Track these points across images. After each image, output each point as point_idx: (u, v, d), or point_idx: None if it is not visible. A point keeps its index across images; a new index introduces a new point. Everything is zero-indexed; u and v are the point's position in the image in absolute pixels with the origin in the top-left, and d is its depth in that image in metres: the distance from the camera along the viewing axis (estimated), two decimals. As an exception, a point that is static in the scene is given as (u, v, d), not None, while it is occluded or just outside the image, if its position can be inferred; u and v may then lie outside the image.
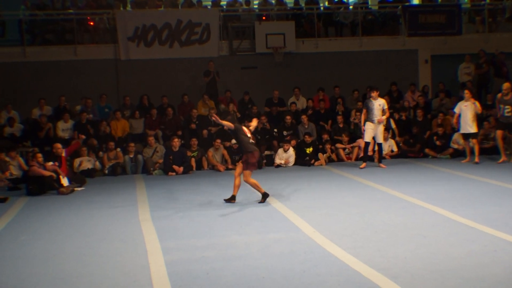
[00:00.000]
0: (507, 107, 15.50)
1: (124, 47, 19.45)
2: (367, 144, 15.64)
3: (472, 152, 15.71)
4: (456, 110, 15.80)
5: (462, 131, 15.80)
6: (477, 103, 15.77)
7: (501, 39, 21.34)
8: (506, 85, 15.80)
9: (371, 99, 15.45)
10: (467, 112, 15.52)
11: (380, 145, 15.65)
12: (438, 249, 7.79)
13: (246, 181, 11.26)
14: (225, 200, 11.52)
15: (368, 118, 15.30)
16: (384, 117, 15.46)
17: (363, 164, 15.45)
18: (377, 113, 15.24)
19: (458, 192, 11.82)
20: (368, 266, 7.15)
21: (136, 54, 19.50)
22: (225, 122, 11.39)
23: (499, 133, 15.70)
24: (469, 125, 15.56)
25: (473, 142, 15.65)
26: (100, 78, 19.54)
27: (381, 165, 15.49)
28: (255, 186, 11.41)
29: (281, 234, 8.91)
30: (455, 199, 11.12)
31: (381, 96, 15.96)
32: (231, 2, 21.80)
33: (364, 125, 15.39)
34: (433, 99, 19.92)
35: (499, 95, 15.89)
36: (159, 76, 19.89)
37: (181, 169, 15.52)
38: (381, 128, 15.45)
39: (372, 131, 15.32)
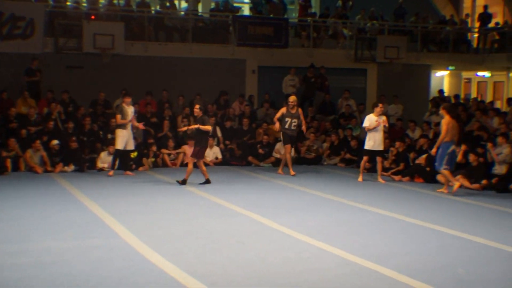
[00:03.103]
0: (293, 120, 15.54)
1: None
2: (117, 152, 15.08)
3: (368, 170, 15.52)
4: (369, 124, 14.70)
5: (370, 147, 14.80)
6: (385, 118, 15.04)
7: (324, 54, 22.33)
8: (292, 98, 15.70)
9: (123, 104, 15.11)
10: (379, 128, 14.73)
11: (126, 152, 15.25)
12: (256, 256, 7.93)
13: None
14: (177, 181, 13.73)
15: (121, 125, 14.89)
16: (139, 124, 15.37)
17: (111, 172, 15.04)
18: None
19: (277, 200, 12.17)
20: (186, 273, 7.11)
21: (-49, 46, 18.14)
22: (204, 127, 13.74)
23: (288, 147, 15.63)
24: (378, 142, 14.75)
25: (378, 160, 14.98)
26: None
27: (128, 172, 15.32)
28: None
29: (99, 240, 8.66)
30: (274, 207, 11.42)
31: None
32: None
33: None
34: (259, 109, 20.41)
35: (284, 108, 15.75)
36: (-23, 71, 18.64)
37: None
38: (131, 135, 15.19)
39: (124, 138, 14.93)
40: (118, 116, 15.02)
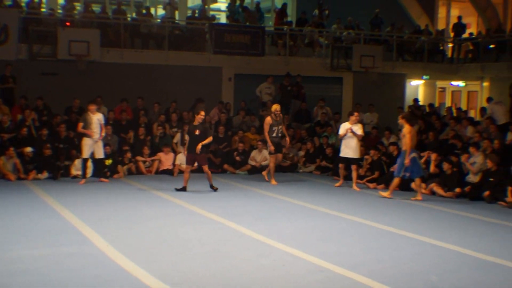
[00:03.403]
0: (280, 127, 15.59)
1: None
2: (84, 160, 14.92)
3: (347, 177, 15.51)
4: (341, 132, 14.98)
5: (343, 154, 15.03)
6: (361, 126, 15.26)
7: (300, 62, 22.46)
8: (278, 107, 15.75)
9: (89, 113, 14.94)
10: (349, 135, 14.84)
11: (100, 160, 15.15)
12: (231, 264, 7.92)
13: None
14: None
15: (86, 134, 14.76)
16: (103, 133, 15.08)
17: (82, 181, 14.87)
18: (95, 128, 14.82)
19: (253, 208, 12.17)
20: (160, 281, 7.08)
21: None
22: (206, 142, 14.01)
23: (275, 156, 15.68)
24: (353, 150, 14.89)
25: (353, 168, 15.06)
26: None
27: (103, 179, 15.22)
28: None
29: (73, 248, 8.58)
30: (250, 214, 11.42)
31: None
32: (32, 4, 20.76)
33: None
34: (234, 116, 20.42)
35: (268, 118, 15.68)
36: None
37: None
38: (100, 143, 15.01)
39: (90, 146, 14.80)
40: (80, 125, 14.88)
